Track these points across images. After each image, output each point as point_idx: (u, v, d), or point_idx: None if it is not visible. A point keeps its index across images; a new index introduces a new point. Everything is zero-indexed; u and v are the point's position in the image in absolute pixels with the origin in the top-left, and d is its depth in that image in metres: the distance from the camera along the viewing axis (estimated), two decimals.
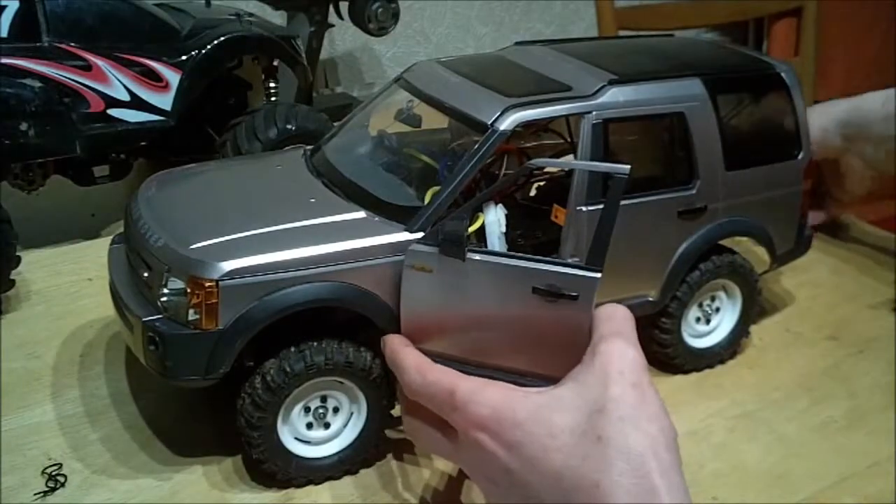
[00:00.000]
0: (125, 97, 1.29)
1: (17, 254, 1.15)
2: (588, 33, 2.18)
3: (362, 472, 0.89)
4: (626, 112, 0.92)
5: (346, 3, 1.70)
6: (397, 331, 0.82)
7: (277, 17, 1.74)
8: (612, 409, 0.64)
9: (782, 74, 1.04)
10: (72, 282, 1.22)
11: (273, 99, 1.50)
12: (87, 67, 1.26)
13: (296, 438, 0.86)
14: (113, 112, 1.29)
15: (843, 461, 0.93)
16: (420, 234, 0.82)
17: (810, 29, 2.04)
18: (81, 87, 1.26)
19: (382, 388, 0.87)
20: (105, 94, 1.28)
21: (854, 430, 0.98)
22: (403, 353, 0.79)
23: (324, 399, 0.87)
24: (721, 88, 0.98)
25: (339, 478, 0.88)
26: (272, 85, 1.50)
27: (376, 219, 0.86)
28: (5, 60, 1.20)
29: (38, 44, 1.23)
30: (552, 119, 0.93)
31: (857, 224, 1.44)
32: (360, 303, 0.83)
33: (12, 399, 0.98)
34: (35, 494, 0.85)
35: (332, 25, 1.73)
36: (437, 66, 1.01)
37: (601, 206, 0.82)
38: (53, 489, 0.86)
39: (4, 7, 1.20)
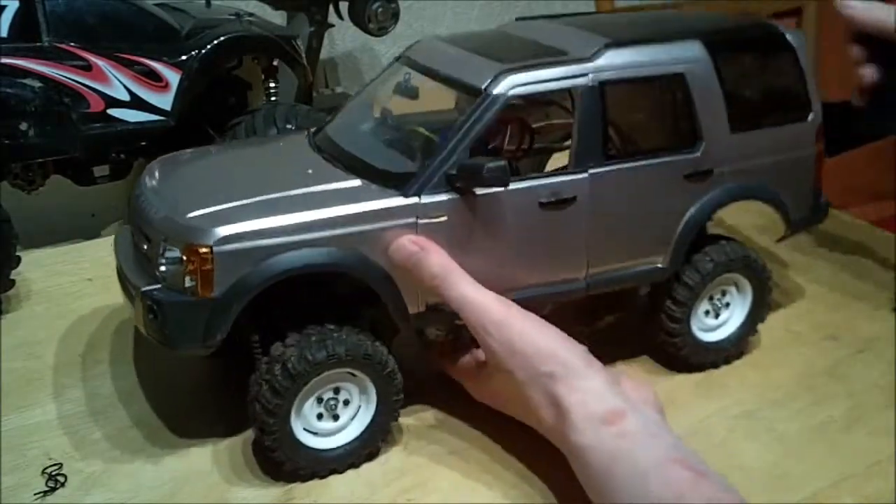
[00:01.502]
0: (125, 97, 1.29)
1: (17, 254, 1.15)
2: None
3: (364, 470, 0.89)
4: (623, 74, 0.92)
5: (346, 3, 1.70)
6: (396, 296, 0.87)
7: (277, 17, 1.74)
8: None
9: (787, 36, 1.03)
10: (72, 282, 1.22)
11: (273, 99, 1.50)
12: (87, 67, 1.26)
13: (305, 429, 0.86)
14: (113, 112, 1.29)
15: (842, 461, 0.93)
16: (414, 200, 0.85)
17: (810, 29, 2.04)
18: (81, 87, 1.26)
19: (394, 382, 0.88)
20: (105, 94, 1.28)
21: (854, 430, 0.97)
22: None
23: (336, 391, 0.87)
24: (722, 50, 0.97)
25: (343, 471, 0.88)
26: (272, 85, 1.50)
27: (372, 186, 0.88)
28: (5, 60, 1.20)
29: (38, 44, 1.23)
30: (548, 83, 0.89)
31: (857, 224, 1.44)
32: (356, 267, 0.85)
33: (12, 399, 0.98)
34: (35, 494, 0.85)
35: (332, 25, 1.73)
36: (436, 41, 1.02)
37: (601, 167, 0.91)
38: (53, 489, 0.86)
39: (4, 7, 1.21)
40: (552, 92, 0.92)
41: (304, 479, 0.87)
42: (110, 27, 1.28)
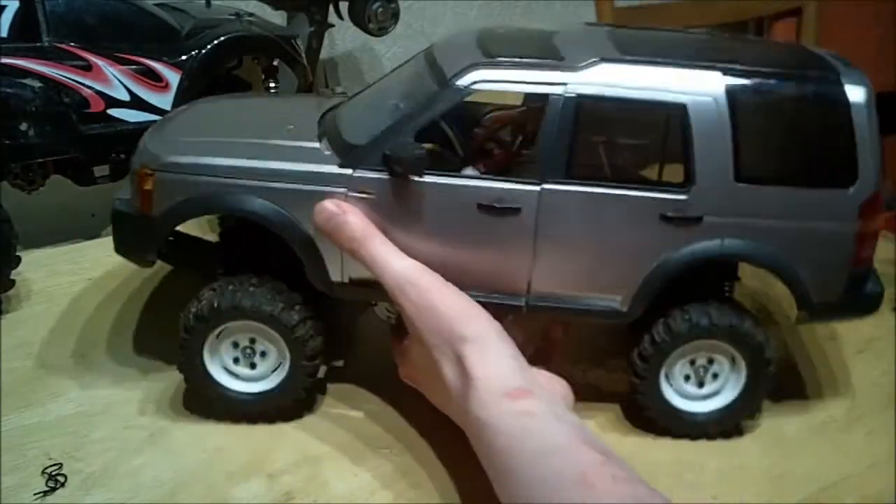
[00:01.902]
0: (125, 97, 1.29)
1: (17, 254, 1.15)
2: None
3: (364, 470, 0.89)
4: (609, 92, 0.84)
5: (346, 3, 1.70)
6: (317, 261, 0.89)
7: (277, 17, 1.74)
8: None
9: (844, 85, 0.87)
10: (72, 282, 1.22)
11: None
12: (87, 67, 1.26)
13: (227, 370, 0.93)
14: (113, 112, 1.29)
15: (843, 461, 0.93)
16: (348, 171, 0.87)
17: (810, 29, 2.04)
18: (81, 87, 1.26)
19: (305, 346, 0.91)
20: (105, 94, 1.28)
21: (854, 430, 0.97)
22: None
23: (252, 340, 0.93)
24: (748, 87, 0.85)
25: (255, 421, 0.94)
26: (272, 85, 1.50)
27: (325, 152, 0.89)
28: (5, 60, 1.20)
29: (38, 44, 1.23)
30: (518, 84, 0.86)
31: None
32: (277, 223, 0.88)
33: (12, 399, 0.98)
34: (35, 494, 0.85)
35: (332, 25, 1.72)
36: (468, 32, 0.98)
37: (564, 185, 0.86)
38: (53, 489, 0.86)
39: (4, 7, 1.20)
40: (528, 93, 0.89)
41: (208, 414, 0.94)
42: (110, 27, 1.28)
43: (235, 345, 0.93)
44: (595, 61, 0.85)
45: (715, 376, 0.93)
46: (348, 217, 0.85)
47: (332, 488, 0.87)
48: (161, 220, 0.91)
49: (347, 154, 0.88)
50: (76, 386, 1.01)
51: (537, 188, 0.85)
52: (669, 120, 0.87)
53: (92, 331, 1.11)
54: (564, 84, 0.85)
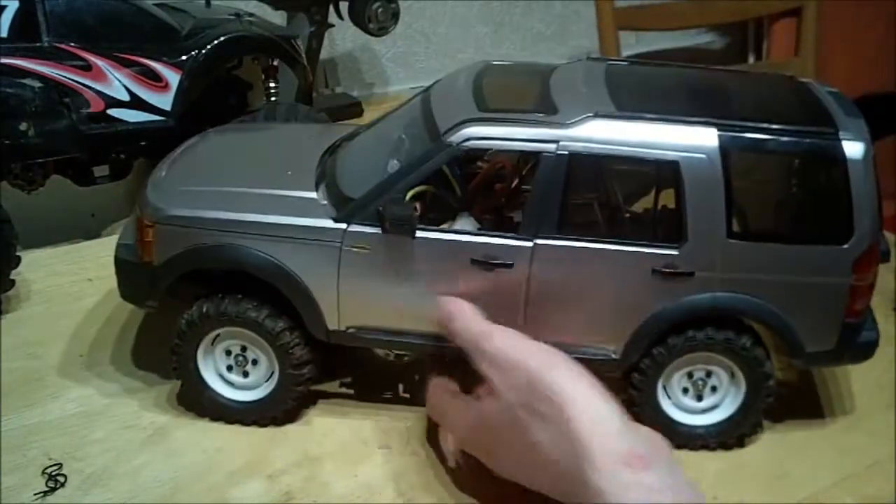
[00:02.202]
0: (125, 97, 1.29)
1: (17, 254, 1.15)
2: (588, 33, 2.17)
3: (364, 471, 0.89)
4: (601, 149, 0.84)
5: (346, 3, 1.70)
6: (312, 310, 0.89)
7: (277, 17, 1.74)
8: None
9: (842, 140, 0.85)
10: (72, 282, 1.22)
11: (273, 99, 1.50)
12: (86, 67, 1.26)
13: (220, 376, 0.95)
14: (113, 112, 1.29)
15: (843, 461, 0.93)
16: (343, 225, 0.87)
17: (810, 29, 2.04)
18: (81, 87, 1.26)
19: (291, 357, 0.92)
20: (105, 94, 1.28)
21: (854, 430, 0.97)
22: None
23: (244, 349, 0.94)
24: (742, 143, 0.84)
25: (248, 424, 0.94)
26: (272, 85, 1.50)
27: (322, 203, 0.90)
28: (5, 60, 1.20)
29: (38, 44, 1.23)
30: (510, 142, 0.85)
31: None
32: (274, 275, 0.89)
33: (12, 399, 0.98)
34: (35, 494, 0.85)
35: (332, 25, 1.72)
36: (466, 74, 0.97)
37: (555, 240, 0.85)
38: (53, 489, 0.86)
39: (4, 7, 1.21)
40: (519, 150, 0.89)
41: (202, 414, 0.95)
42: (110, 27, 1.28)
43: (228, 352, 0.94)
44: (587, 117, 0.85)
45: (714, 389, 0.93)
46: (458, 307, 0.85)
47: (331, 488, 0.87)
48: (162, 270, 0.92)
49: (343, 207, 0.88)
50: (76, 386, 1.01)
51: (530, 243, 0.86)
52: (662, 176, 0.87)
53: (92, 331, 1.11)
54: (556, 142, 0.84)
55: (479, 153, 0.96)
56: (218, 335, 0.93)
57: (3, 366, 1.03)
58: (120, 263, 0.96)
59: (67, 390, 1.00)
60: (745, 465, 0.92)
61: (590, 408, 0.72)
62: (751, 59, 2.34)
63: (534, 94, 0.91)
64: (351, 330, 0.91)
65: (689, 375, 0.92)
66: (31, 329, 1.11)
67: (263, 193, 0.92)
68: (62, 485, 0.86)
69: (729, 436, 0.93)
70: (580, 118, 0.85)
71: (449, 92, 0.95)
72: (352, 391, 1.01)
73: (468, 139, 0.85)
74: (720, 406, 0.93)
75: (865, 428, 0.98)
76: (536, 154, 0.85)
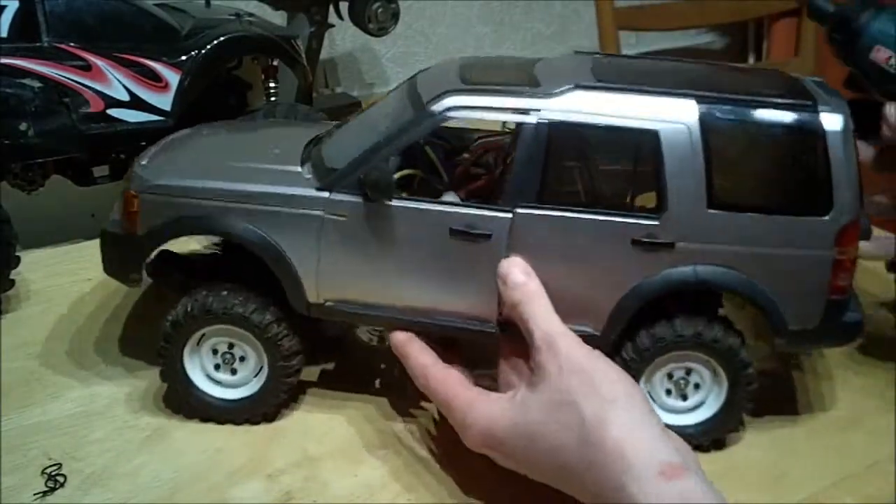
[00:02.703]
0: (125, 97, 1.29)
1: (17, 254, 1.15)
2: (588, 33, 2.18)
3: (364, 471, 0.89)
4: (580, 119, 0.85)
5: (346, 3, 1.70)
6: (294, 282, 0.89)
7: (277, 17, 1.74)
8: (580, 403, 0.74)
9: (820, 112, 0.86)
10: (72, 282, 1.22)
11: (273, 99, 1.50)
12: (86, 67, 1.26)
13: (207, 375, 0.95)
14: (113, 112, 1.29)
15: (843, 461, 0.93)
16: (325, 194, 0.88)
17: (810, 29, 2.04)
18: (81, 87, 1.26)
19: (281, 349, 0.92)
20: (105, 94, 1.28)
21: (854, 430, 0.97)
22: (408, 353, 0.88)
23: (231, 346, 0.94)
24: (722, 114, 0.85)
25: (240, 423, 0.94)
26: (272, 85, 1.50)
27: (306, 175, 0.90)
28: (5, 60, 1.20)
29: (38, 44, 1.23)
30: (491, 111, 0.87)
31: None
32: (256, 244, 0.89)
33: (12, 399, 0.98)
34: (35, 494, 0.85)
35: (332, 25, 1.73)
36: (452, 61, 0.99)
37: (535, 209, 0.85)
38: (53, 489, 0.86)
39: (4, 7, 1.21)
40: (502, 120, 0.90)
41: (191, 416, 0.95)
42: (110, 27, 1.28)
43: (215, 351, 0.94)
44: (569, 88, 0.85)
45: (697, 386, 0.92)
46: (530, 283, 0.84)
47: (331, 488, 0.87)
48: (146, 239, 0.93)
49: (326, 178, 0.89)
50: (76, 386, 1.01)
51: (510, 214, 0.85)
52: (642, 146, 0.87)
53: (92, 331, 1.11)
54: (538, 110, 0.85)
55: (469, 134, 0.99)
56: (203, 334, 0.93)
57: (3, 366, 1.03)
58: (106, 236, 0.97)
59: (67, 390, 1.00)
60: (744, 465, 0.92)
61: (636, 419, 0.72)
62: (751, 59, 2.34)
63: (519, 73, 0.92)
64: (329, 303, 0.90)
65: (670, 376, 0.91)
66: (31, 329, 1.11)
67: (249, 166, 0.93)
68: (62, 485, 0.86)
69: (720, 432, 0.93)
70: (561, 89, 0.86)
71: (436, 73, 0.96)
72: (335, 382, 1.01)
73: (450, 108, 0.86)
74: (706, 402, 0.92)
75: (865, 428, 0.97)
76: (518, 123, 0.86)
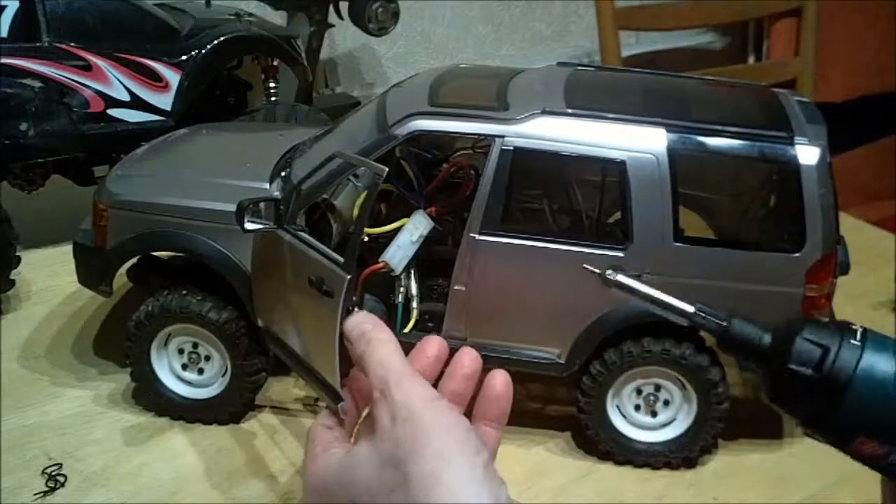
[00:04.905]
0: (125, 97, 1.29)
1: (17, 254, 1.15)
2: (588, 33, 2.17)
3: None
4: (546, 146, 0.82)
5: (346, 3, 1.70)
6: (252, 304, 0.88)
7: (277, 17, 1.74)
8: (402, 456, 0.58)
9: (797, 148, 0.82)
10: (72, 282, 1.21)
11: (273, 99, 1.50)
12: (87, 67, 1.26)
13: (176, 375, 0.95)
14: (113, 112, 1.29)
15: (843, 461, 0.92)
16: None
17: (810, 29, 2.04)
18: (81, 87, 1.26)
19: (247, 356, 0.92)
20: (105, 94, 1.28)
21: None
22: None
23: (195, 345, 0.94)
24: (691, 144, 0.82)
25: (209, 422, 0.95)
26: (272, 85, 1.50)
27: (275, 192, 0.89)
28: (5, 60, 1.20)
29: (38, 44, 1.23)
30: (456, 136, 0.87)
31: (857, 224, 1.44)
32: (218, 262, 0.90)
33: (12, 399, 0.98)
34: (35, 494, 0.85)
35: (332, 25, 1.72)
36: (428, 74, 0.98)
37: (499, 237, 0.83)
38: (53, 489, 0.86)
39: (4, 7, 1.21)
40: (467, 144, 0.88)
41: (162, 414, 0.95)
42: (110, 27, 1.28)
43: (181, 351, 0.94)
44: (535, 113, 0.83)
45: (667, 404, 0.90)
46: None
47: None
48: (113, 254, 0.94)
49: (287, 194, 0.86)
50: (76, 386, 1.01)
51: (348, 276, 0.73)
52: (607, 176, 0.85)
53: (92, 331, 1.11)
54: (502, 137, 0.83)
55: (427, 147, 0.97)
56: (169, 334, 0.93)
57: (3, 366, 1.03)
58: (77, 247, 0.98)
59: (67, 390, 1.00)
60: (744, 465, 0.92)
61: (458, 470, 0.59)
62: (751, 59, 2.34)
63: (490, 93, 0.90)
64: (268, 332, 0.87)
65: (639, 391, 0.90)
66: (31, 329, 1.11)
67: (216, 182, 0.93)
68: (62, 485, 0.86)
69: (690, 450, 0.90)
70: (527, 114, 0.83)
71: (406, 89, 0.95)
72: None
73: (413, 132, 0.84)
74: (676, 420, 0.90)
75: None
76: (482, 153, 0.85)
